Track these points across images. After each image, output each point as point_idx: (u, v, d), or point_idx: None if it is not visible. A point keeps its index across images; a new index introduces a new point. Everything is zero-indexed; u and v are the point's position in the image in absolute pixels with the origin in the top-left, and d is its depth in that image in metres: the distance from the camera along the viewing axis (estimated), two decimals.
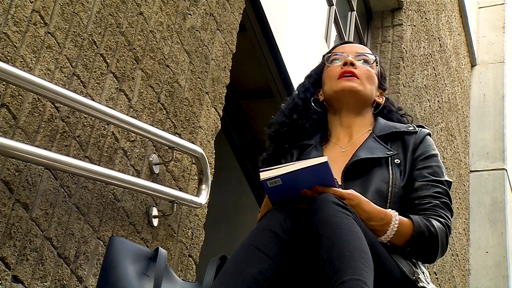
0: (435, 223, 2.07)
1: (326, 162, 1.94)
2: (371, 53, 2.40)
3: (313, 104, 2.35)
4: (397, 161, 2.17)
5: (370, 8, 6.93)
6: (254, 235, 1.94)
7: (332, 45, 5.90)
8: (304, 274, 1.97)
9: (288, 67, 4.91)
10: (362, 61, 2.35)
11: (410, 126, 2.28)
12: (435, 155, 2.23)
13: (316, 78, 2.41)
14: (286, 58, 4.89)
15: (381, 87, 2.40)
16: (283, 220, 1.93)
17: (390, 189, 2.12)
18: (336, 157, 2.21)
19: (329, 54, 2.41)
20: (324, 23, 5.82)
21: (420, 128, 2.27)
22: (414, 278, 2.01)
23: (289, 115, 2.37)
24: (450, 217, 2.13)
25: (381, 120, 2.33)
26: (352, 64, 2.31)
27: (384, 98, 2.39)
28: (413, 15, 7.05)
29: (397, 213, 2.06)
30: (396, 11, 6.80)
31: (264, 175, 1.95)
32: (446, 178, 2.20)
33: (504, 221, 8.47)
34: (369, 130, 2.29)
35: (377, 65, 2.38)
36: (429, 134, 2.28)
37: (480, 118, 9.20)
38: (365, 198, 2.03)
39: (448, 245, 2.20)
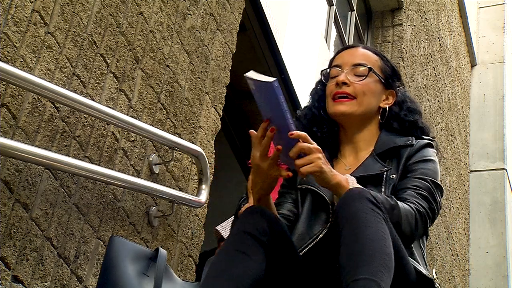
0: (400, 203, 2.02)
1: (271, 83, 1.85)
2: (367, 61, 2.31)
3: (324, 114, 2.31)
4: (392, 176, 2.15)
5: (370, 8, 6.93)
6: (231, 240, 1.95)
7: (332, 45, 5.93)
8: (289, 273, 1.98)
9: (288, 67, 4.91)
10: (357, 75, 2.27)
11: (409, 140, 2.23)
12: (428, 161, 2.19)
13: (325, 83, 2.35)
14: (286, 58, 4.89)
15: (389, 87, 2.32)
16: (256, 222, 1.94)
17: None
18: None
19: (327, 70, 2.34)
20: (324, 23, 5.82)
21: (418, 141, 2.23)
22: (431, 277, 2.01)
23: (309, 127, 2.31)
24: (424, 206, 2.07)
25: (384, 135, 2.27)
26: (345, 83, 2.25)
27: (393, 98, 2.32)
28: (413, 15, 7.05)
29: (355, 180, 2.03)
30: (396, 11, 6.80)
31: (248, 74, 1.89)
32: (435, 180, 2.15)
33: (504, 221, 8.48)
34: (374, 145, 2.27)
35: (374, 72, 2.28)
36: (428, 145, 2.23)
37: (480, 118, 9.21)
38: (329, 168, 1.98)
39: (428, 234, 2.17)
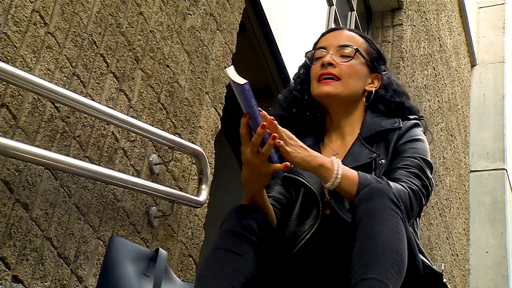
0: (392, 183, 2.00)
1: (243, 85, 1.84)
2: (353, 42, 2.30)
3: (308, 98, 2.29)
4: (381, 162, 2.14)
5: (370, 8, 6.93)
6: (219, 240, 1.95)
7: None
8: (280, 271, 1.98)
9: (288, 67, 4.91)
10: (343, 56, 2.25)
11: (396, 122, 2.21)
12: (417, 140, 2.17)
13: (309, 67, 2.33)
14: (286, 58, 4.89)
15: (375, 71, 2.31)
16: (245, 221, 1.95)
17: None
18: None
19: (312, 51, 2.33)
20: (324, 23, 5.82)
21: (405, 122, 2.21)
22: (440, 271, 2.01)
23: (288, 108, 2.30)
24: (417, 184, 2.06)
25: (369, 117, 2.25)
26: (331, 64, 2.23)
27: (379, 82, 2.30)
28: (413, 15, 7.05)
29: (340, 162, 2.00)
30: (396, 11, 6.80)
31: (228, 69, 1.88)
32: (425, 157, 2.14)
33: (504, 221, 8.48)
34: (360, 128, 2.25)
35: (360, 54, 2.27)
36: (416, 125, 2.22)
37: (480, 118, 9.21)
38: (309, 152, 1.96)
39: (420, 216, 2.17)
